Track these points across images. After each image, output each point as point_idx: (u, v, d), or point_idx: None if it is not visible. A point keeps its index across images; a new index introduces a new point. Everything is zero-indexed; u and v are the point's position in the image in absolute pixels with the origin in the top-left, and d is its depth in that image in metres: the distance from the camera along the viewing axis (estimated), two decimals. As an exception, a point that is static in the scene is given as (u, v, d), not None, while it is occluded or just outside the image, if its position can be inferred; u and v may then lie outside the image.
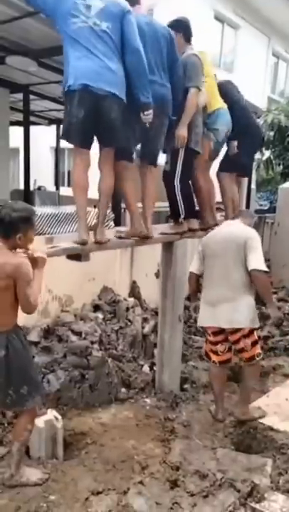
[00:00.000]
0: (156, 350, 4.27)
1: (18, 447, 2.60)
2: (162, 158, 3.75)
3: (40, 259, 2.46)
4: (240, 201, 5.15)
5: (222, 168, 4.50)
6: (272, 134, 9.49)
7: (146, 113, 3.00)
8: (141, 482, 2.75)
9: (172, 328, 3.99)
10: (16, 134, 8.45)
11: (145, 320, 4.88)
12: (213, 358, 3.52)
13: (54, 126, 9.70)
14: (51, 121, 9.54)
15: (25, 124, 7.76)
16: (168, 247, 3.91)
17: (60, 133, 2.90)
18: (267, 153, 10.19)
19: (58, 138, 9.74)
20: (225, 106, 4.08)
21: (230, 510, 2.53)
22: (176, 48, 3.33)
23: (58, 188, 10.11)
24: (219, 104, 4.05)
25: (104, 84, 2.78)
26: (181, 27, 3.62)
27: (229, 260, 3.29)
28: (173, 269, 3.93)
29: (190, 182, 3.86)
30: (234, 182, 4.70)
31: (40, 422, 2.85)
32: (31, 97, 7.32)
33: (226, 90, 4.22)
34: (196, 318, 5.78)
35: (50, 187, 10.97)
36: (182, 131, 3.47)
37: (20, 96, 7.24)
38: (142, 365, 4.39)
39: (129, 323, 4.73)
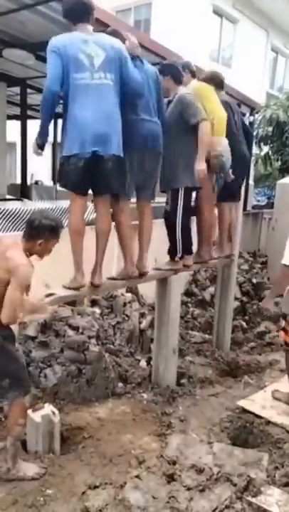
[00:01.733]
0: (153, 345, 4.27)
1: (12, 442, 2.62)
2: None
3: (42, 307, 2.67)
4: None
5: (221, 198, 4.45)
6: (270, 129, 9.47)
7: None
8: (138, 476, 2.75)
9: (166, 360, 4.03)
10: (12, 128, 8.41)
11: (142, 315, 4.89)
12: None
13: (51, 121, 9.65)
14: (48, 115, 9.48)
15: (23, 118, 7.73)
16: (162, 281, 3.97)
17: (56, 178, 2.95)
18: (265, 149, 10.17)
19: (55, 132, 9.70)
20: (225, 139, 4.09)
21: (227, 504, 2.54)
22: (161, 88, 3.41)
23: (55, 183, 10.09)
24: (226, 141, 4.08)
25: (110, 150, 2.83)
26: (170, 71, 3.67)
27: None
28: (167, 302, 3.96)
29: (188, 217, 3.90)
30: (232, 209, 4.75)
31: (37, 416, 2.85)
32: (28, 90, 7.29)
33: (229, 112, 4.17)
34: (193, 313, 5.81)
35: (48, 181, 10.94)
36: (201, 165, 3.50)
37: (17, 90, 7.22)
38: (139, 360, 4.40)
39: (126, 318, 4.73)
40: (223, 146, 3.87)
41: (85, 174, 2.84)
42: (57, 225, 2.52)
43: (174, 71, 3.66)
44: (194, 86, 3.88)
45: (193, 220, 4.14)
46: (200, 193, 4.01)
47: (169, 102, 3.72)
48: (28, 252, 2.48)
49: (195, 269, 4.29)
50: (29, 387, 2.71)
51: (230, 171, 4.14)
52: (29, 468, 2.68)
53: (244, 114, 7.07)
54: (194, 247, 4.20)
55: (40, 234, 2.45)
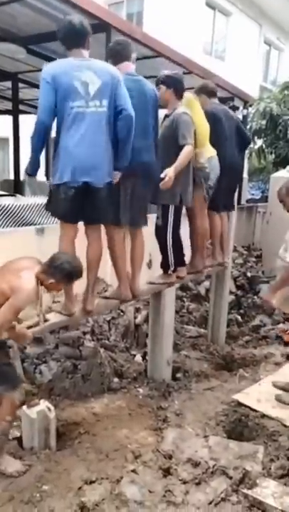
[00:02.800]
0: (148, 340, 4.28)
1: None
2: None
3: (22, 335, 2.68)
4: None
5: (212, 207, 4.45)
6: (264, 122, 9.45)
7: (115, 172, 2.98)
8: (134, 471, 2.76)
9: (159, 371, 4.06)
10: (5, 124, 8.34)
11: (137, 310, 4.88)
12: None
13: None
14: (41, 110, 9.41)
15: (15, 113, 7.66)
16: (156, 295, 3.99)
17: (46, 207, 2.97)
18: (259, 142, 10.15)
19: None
20: (215, 153, 4.13)
21: (223, 497, 2.56)
22: (158, 106, 3.34)
23: (48, 178, 10.02)
24: (211, 153, 4.11)
25: (101, 179, 2.81)
26: (174, 83, 3.63)
27: None
28: (161, 315, 3.99)
29: (178, 231, 3.90)
30: (224, 218, 4.76)
31: (32, 412, 2.85)
32: (20, 85, 7.22)
33: (215, 122, 4.15)
34: (188, 307, 5.82)
35: (41, 177, 10.88)
36: (170, 174, 3.39)
37: (8, 84, 7.15)
38: (134, 355, 4.40)
39: (121, 314, 4.73)
40: (205, 158, 3.93)
41: (75, 204, 2.81)
42: (74, 273, 2.60)
43: (178, 85, 3.64)
44: (186, 98, 3.85)
45: (186, 228, 4.16)
46: (192, 206, 4.02)
47: (166, 115, 3.73)
48: (40, 280, 2.54)
49: (189, 279, 4.39)
50: (17, 382, 2.69)
51: (215, 179, 4.16)
52: (11, 465, 2.68)
53: (237, 108, 7.06)
54: (187, 257, 4.21)
55: (55, 274, 2.53)
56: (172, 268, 3.87)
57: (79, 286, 3.06)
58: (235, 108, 7.01)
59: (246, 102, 7.22)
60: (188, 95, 3.99)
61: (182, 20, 10.86)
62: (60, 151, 2.77)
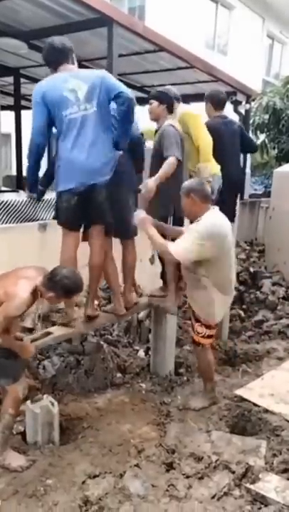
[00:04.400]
0: (150, 335, 4.28)
1: (1, 429, 2.66)
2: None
3: (26, 348, 2.71)
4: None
5: None
6: (266, 117, 9.39)
7: (118, 153, 3.05)
8: (137, 465, 2.77)
9: (162, 366, 4.07)
10: (7, 119, 8.32)
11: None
12: (209, 344, 3.56)
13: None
14: (43, 105, 9.38)
15: (17, 109, 7.64)
16: (158, 307, 3.99)
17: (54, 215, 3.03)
18: (261, 137, 10.10)
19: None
20: (218, 169, 4.16)
21: (225, 492, 2.57)
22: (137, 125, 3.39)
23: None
24: (214, 170, 4.15)
25: (103, 176, 2.87)
26: (168, 100, 3.68)
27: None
28: (164, 327, 4.00)
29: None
30: None
31: (36, 407, 2.86)
32: (22, 80, 7.20)
33: (216, 138, 4.14)
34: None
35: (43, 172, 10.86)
36: (150, 184, 3.40)
37: (10, 79, 7.12)
38: (137, 350, 4.41)
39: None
40: (209, 172, 3.95)
41: (79, 208, 2.87)
42: (74, 289, 2.62)
43: (170, 101, 3.68)
44: (181, 113, 3.91)
45: None
46: None
47: (156, 130, 3.77)
48: (40, 292, 2.56)
49: None
50: (18, 375, 2.70)
51: (218, 190, 4.20)
52: (16, 460, 2.70)
53: (239, 103, 7.01)
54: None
55: (54, 288, 2.54)
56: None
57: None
58: (237, 103, 6.96)
59: (249, 97, 7.17)
60: (185, 110, 4.03)
61: (184, 14, 10.79)
62: (60, 159, 2.84)
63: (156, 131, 3.78)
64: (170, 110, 3.71)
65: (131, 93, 2.89)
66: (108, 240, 3.28)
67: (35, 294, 2.55)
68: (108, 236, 3.26)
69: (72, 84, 2.83)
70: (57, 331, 3.05)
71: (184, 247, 3.08)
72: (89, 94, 2.84)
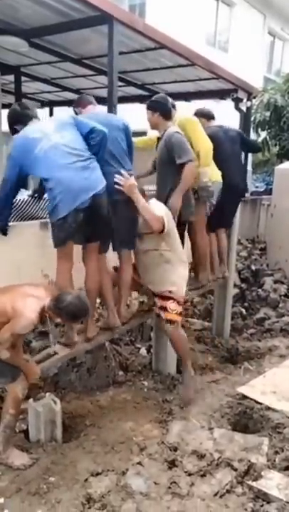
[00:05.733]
0: (152, 333, 4.29)
1: (2, 428, 2.68)
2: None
3: (31, 370, 2.74)
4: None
5: (209, 227, 4.49)
6: (268, 114, 9.36)
7: None
8: (139, 463, 2.78)
9: (164, 364, 4.09)
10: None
11: (142, 303, 4.89)
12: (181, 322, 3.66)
13: (47, 109, 9.55)
14: (44, 103, 9.38)
15: (18, 107, 7.61)
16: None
17: (53, 241, 2.95)
18: (263, 134, 10.07)
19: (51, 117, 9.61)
20: (219, 176, 4.21)
21: (228, 489, 2.57)
22: (131, 133, 3.36)
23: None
24: (216, 177, 4.18)
25: (100, 184, 2.86)
26: (158, 107, 3.66)
27: None
28: (165, 342, 4.00)
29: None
30: (221, 236, 4.82)
31: (38, 405, 2.87)
32: (23, 78, 7.18)
33: (215, 145, 4.14)
34: (192, 300, 5.81)
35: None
36: (175, 203, 3.48)
37: (11, 78, 7.10)
38: (139, 348, 4.42)
39: (126, 307, 4.73)
40: (208, 177, 3.97)
41: (83, 226, 2.87)
42: (80, 315, 2.68)
43: (162, 107, 3.65)
44: (178, 120, 3.90)
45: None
46: (193, 223, 4.08)
47: (158, 138, 3.79)
48: (43, 308, 2.60)
49: (194, 294, 4.63)
50: (16, 374, 2.69)
51: (216, 197, 4.25)
52: (19, 458, 2.71)
53: (241, 100, 6.98)
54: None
55: (59, 312, 2.60)
56: None
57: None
58: (238, 100, 6.94)
59: (250, 94, 7.14)
60: (185, 116, 4.04)
61: (185, 11, 10.75)
62: (52, 191, 2.79)
63: (158, 139, 3.81)
64: (167, 117, 3.69)
65: (101, 127, 2.95)
66: (103, 255, 3.28)
67: (42, 313, 2.60)
68: (105, 252, 3.27)
69: (38, 126, 2.94)
70: (61, 351, 3.10)
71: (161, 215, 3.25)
72: (57, 128, 2.89)
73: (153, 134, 3.98)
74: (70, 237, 2.87)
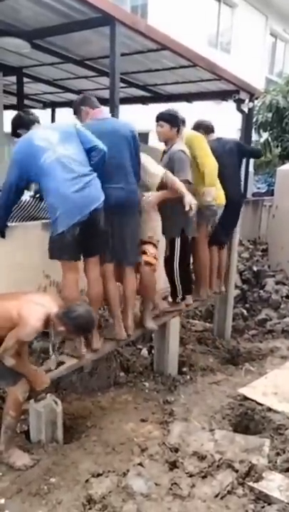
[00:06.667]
0: (154, 334, 4.28)
1: (3, 429, 2.69)
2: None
3: (40, 379, 2.78)
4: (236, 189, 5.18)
5: (210, 242, 4.54)
6: (270, 115, 9.36)
7: None
8: (140, 464, 2.78)
9: (165, 366, 4.12)
10: (10, 119, 8.33)
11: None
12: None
13: (49, 110, 9.57)
14: (46, 104, 9.40)
15: (20, 108, 7.64)
16: (162, 325, 4.03)
17: (49, 254, 2.99)
18: (265, 136, 10.07)
19: (53, 122, 9.63)
20: (224, 198, 4.31)
21: (229, 490, 2.57)
22: (138, 142, 3.34)
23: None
24: (221, 199, 4.27)
25: (99, 198, 2.89)
26: (169, 120, 3.72)
27: None
28: (166, 343, 4.05)
29: (187, 262, 4.07)
30: (222, 250, 4.86)
31: (39, 406, 2.87)
32: (25, 79, 7.20)
33: (214, 154, 4.19)
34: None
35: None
36: (153, 199, 3.45)
37: (13, 79, 7.12)
38: (141, 349, 4.42)
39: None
40: (212, 196, 4.03)
41: (82, 239, 2.89)
42: (87, 328, 2.76)
43: (174, 121, 3.72)
44: (186, 136, 3.95)
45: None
46: (196, 239, 4.14)
47: (164, 152, 3.84)
48: (51, 321, 2.64)
49: (194, 306, 4.73)
50: (17, 377, 2.70)
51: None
52: (20, 458, 2.72)
53: (242, 101, 6.97)
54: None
55: (67, 324, 2.62)
56: (180, 297, 4.02)
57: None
58: (240, 101, 6.93)
59: (252, 95, 7.13)
60: (190, 132, 4.10)
61: (187, 13, 10.76)
62: (54, 204, 2.83)
63: (164, 153, 3.85)
64: (177, 131, 3.76)
65: (103, 146, 2.96)
66: (108, 266, 3.28)
67: (47, 322, 2.62)
68: (108, 263, 3.27)
69: (43, 133, 2.93)
70: (68, 361, 3.11)
71: None
72: (62, 139, 2.90)
73: (161, 146, 4.00)
74: (66, 250, 2.89)
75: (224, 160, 4.36)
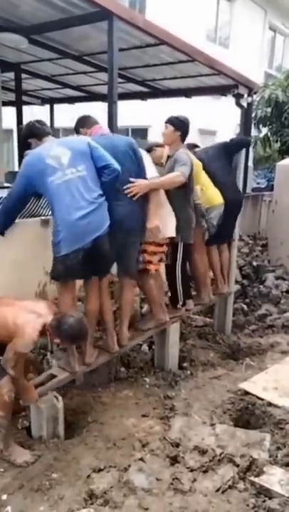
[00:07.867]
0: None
1: None
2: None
3: (28, 392, 2.79)
4: (238, 182, 5.20)
5: (209, 242, 4.55)
6: (269, 110, 9.33)
7: None
8: (141, 459, 2.79)
9: (166, 361, 4.11)
10: (8, 115, 8.30)
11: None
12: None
13: (47, 106, 9.54)
14: (44, 100, 9.38)
15: (18, 104, 7.63)
16: (161, 331, 4.03)
17: (51, 273, 3.00)
18: (264, 130, 10.04)
19: (52, 118, 9.60)
20: (220, 198, 4.37)
21: (230, 485, 2.58)
22: (140, 155, 3.31)
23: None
24: (218, 201, 4.36)
25: (103, 227, 2.90)
26: (180, 126, 3.75)
27: None
28: (166, 347, 4.05)
29: (187, 267, 4.11)
30: (223, 250, 4.87)
31: (40, 402, 2.88)
32: (23, 75, 7.17)
33: (202, 164, 4.28)
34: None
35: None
36: (143, 184, 3.35)
37: (11, 75, 7.09)
38: (141, 345, 4.42)
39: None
40: (198, 196, 4.06)
41: (84, 263, 2.89)
42: (78, 338, 2.78)
43: (184, 128, 3.75)
44: None
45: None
46: (191, 246, 4.07)
47: (169, 156, 3.85)
48: (45, 329, 2.66)
49: (195, 310, 4.67)
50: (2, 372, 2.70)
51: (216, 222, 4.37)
52: (21, 455, 2.72)
53: (241, 96, 6.96)
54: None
55: (60, 335, 2.66)
56: (181, 302, 4.03)
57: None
58: (239, 96, 6.91)
59: (251, 90, 7.11)
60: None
61: (185, 7, 10.70)
62: (59, 224, 2.84)
63: (168, 158, 3.85)
64: (183, 138, 3.79)
65: (117, 166, 2.96)
66: (105, 280, 3.29)
67: (43, 331, 2.65)
68: (106, 275, 3.29)
69: (55, 151, 2.89)
70: (60, 375, 3.11)
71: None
72: (74, 160, 2.88)
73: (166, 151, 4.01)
74: (69, 272, 2.90)
75: (212, 166, 4.44)
